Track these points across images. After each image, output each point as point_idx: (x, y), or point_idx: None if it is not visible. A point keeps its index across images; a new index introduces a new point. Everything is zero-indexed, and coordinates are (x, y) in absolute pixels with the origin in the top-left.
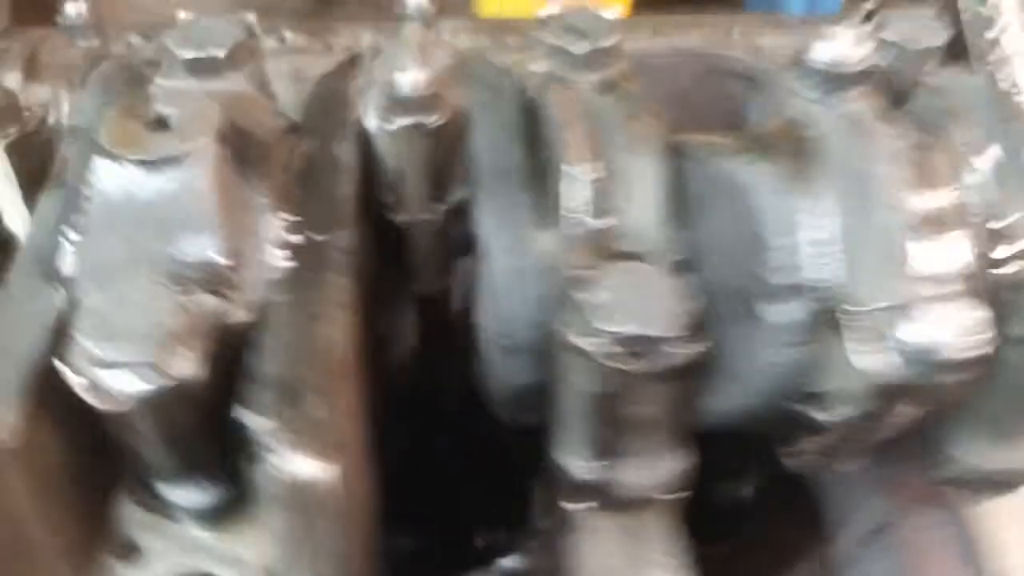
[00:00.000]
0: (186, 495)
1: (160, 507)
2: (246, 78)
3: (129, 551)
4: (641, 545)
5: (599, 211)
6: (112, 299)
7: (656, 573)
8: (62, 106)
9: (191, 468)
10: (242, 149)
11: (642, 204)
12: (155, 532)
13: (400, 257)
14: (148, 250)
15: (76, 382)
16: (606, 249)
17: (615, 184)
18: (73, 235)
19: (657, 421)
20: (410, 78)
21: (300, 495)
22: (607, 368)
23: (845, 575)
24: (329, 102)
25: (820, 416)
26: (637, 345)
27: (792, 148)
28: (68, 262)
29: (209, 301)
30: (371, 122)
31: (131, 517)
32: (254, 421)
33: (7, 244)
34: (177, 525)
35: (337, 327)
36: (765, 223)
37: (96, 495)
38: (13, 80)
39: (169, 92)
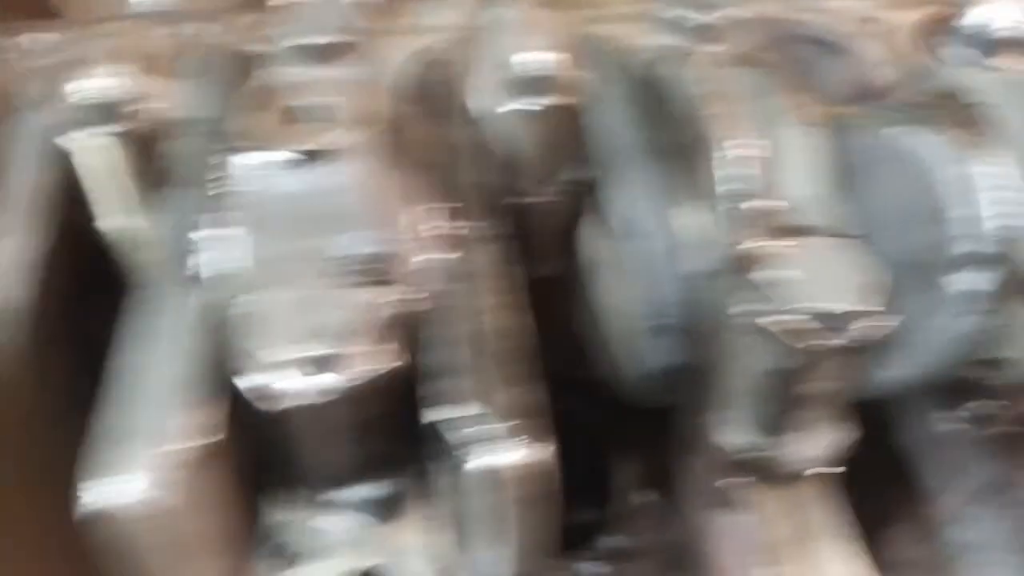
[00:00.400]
0: (352, 491)
1: (318, 507)
2: (364, 63)
3: (287, 552)
4: (807, 517)
5: (763, 187)
6: (288, 300)
7: (825, 543)
8: (159, 97)
9: (363, 466)
10: (383, 138)
11: (806, 177)
12: (311, 532)
13: (515, 240)
14: (307, 247)
15: (263, 386)
16: (776, 225)
17: (776, 158)
18: (214, 234)
19: (828, 396)
20: (534, 58)
21: (506, 486)
22: (791, 347)
23: (953, 533)
24: (439, 83)
25: (996, 381)
26: (829, 322)
27: (957, 116)
28: (213, 262)
29: (381, 295)
30: (486, 103)
31: (287, 518)
32: (450, 412)
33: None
34: (340, 520)
35: (507, 318)
36: (942, 193)
37: (251, 493)
38: (106, 72)
39: (303, 82)
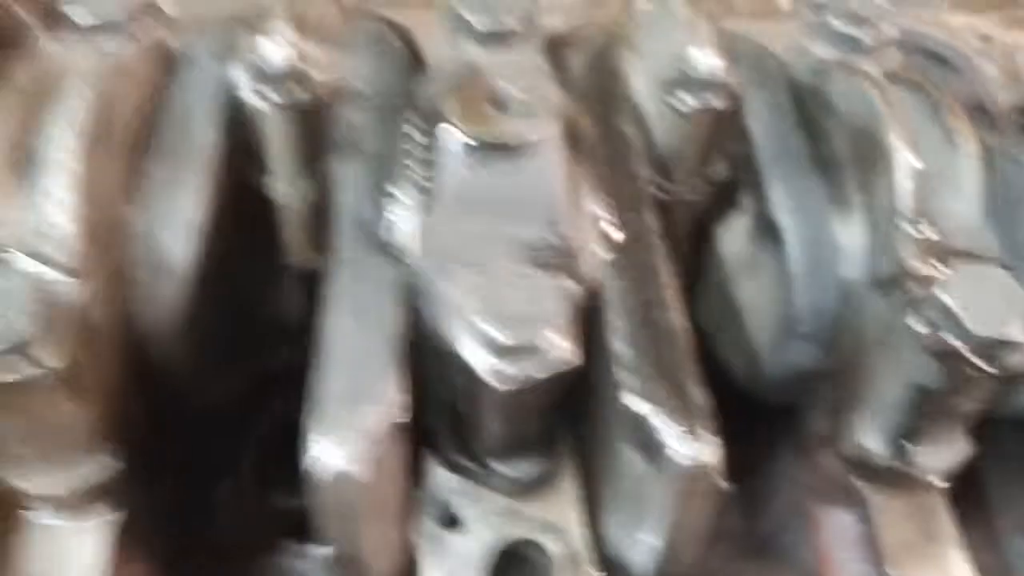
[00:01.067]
0: (513, 467)
1: (481, 477)
2: (536, 50)
3: (450, 518)
4: (932, 523)
5: (932, 209)
6: (487, 282)
7: (951, 549)
8: (331, 66)
9: (528, 442)
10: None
11: (967, 201)
12: (474, 500)
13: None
14: (500, 232)
15: (476, 363)
16: (943, 248)
17: (944, 181)
18: (410, 208)
19: (969, 413)
20: (703, 60)
21: (692, 478)
22: (948, 368)
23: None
24: (604, 75)
25: None
26: (988, 349)
27: None
28: (406, 236)
29: (569, 284)
30: (649, 98)
31: (450, 486)
32: (640, 406)
33: (273, 204)
34: (495, 495)
35: (676, 312)
36: None
37: (415, 462)
38: (289, 39)
39: (507, 69)
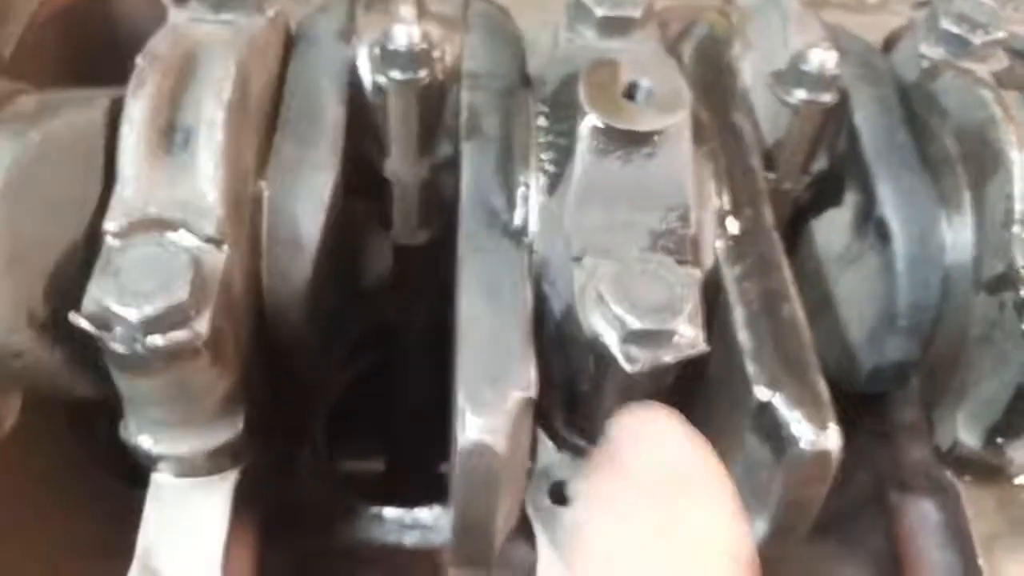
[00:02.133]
0: None
1: (588, 453)
2: (654, 38)
3: (560, 493)
4: (1022, 516)
5: None
6: (619, 268)
7: None
8: (453, 46)
9: None
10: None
11: None
12: (583, 474)
13: None
14: (629, 219)
15: (610, 345)
16: None
17: None
18: (532, 193)
19: None
20: (817, 55)
21: (815, 465)
22: None
23: None
24: (713, 68)
25: None
26: None
27: None
28: (534, 221)
29: (696, 272)
30: (756, 89)
31: (561, 462)
32: (766, 394)
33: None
34: None
35: (796, 304)
36: None
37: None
38: (409, 18)
39: (636, 58)
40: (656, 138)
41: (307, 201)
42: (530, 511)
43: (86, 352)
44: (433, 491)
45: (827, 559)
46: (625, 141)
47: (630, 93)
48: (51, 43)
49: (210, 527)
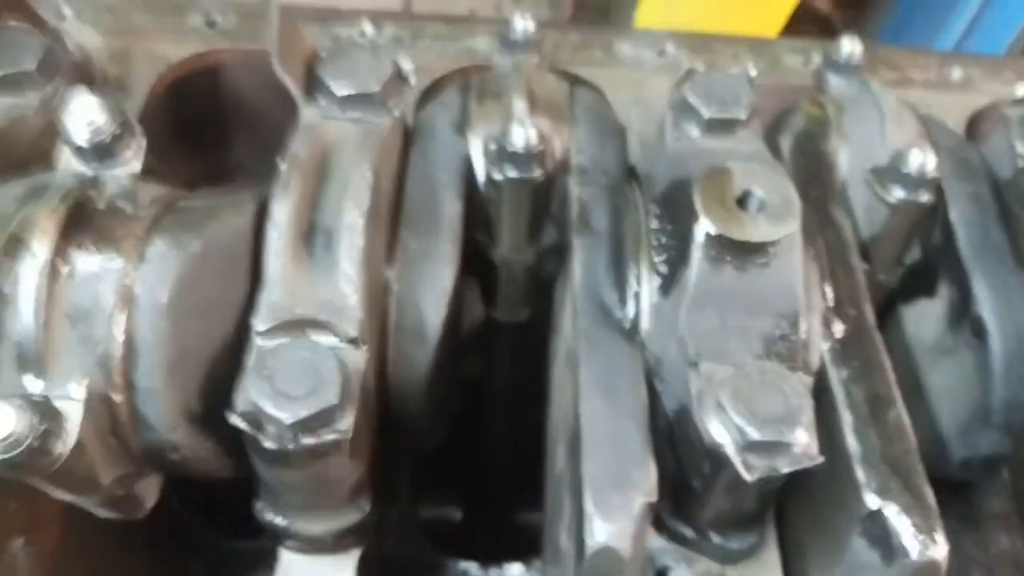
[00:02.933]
0: (728, 538)
1: (696, 544)
2: (757, 137)
3: None
4: None
5: None
6: (736, 376)
7: None
8: (562, 142)
9: (745, 517)
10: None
11: None
12: (688, 564)
13: None
14: (741, 324)
15: (729, 453)
16: None
17: None
18: (644, 294)
19: None
20: (917, 156)
21: (921, 574)
22: None
23: None
24: (812, 161)
25: None
26: None
27: None
28: (648, 321)
29: (808, 379)
30: (853, 183)
31: (664, 549)
32: (877, 502)
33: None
34: (707, 560)
35: (902, 408)
36: None
37: None
38: (523, 116)
39: (750, 169)
40: (770, 249)
41: (431, 293)
42: None
43: (232, 442)
44: (510, 541)
45: None
46: (740, 251)
47: (742, 201)
48: (164, 113)
49: None
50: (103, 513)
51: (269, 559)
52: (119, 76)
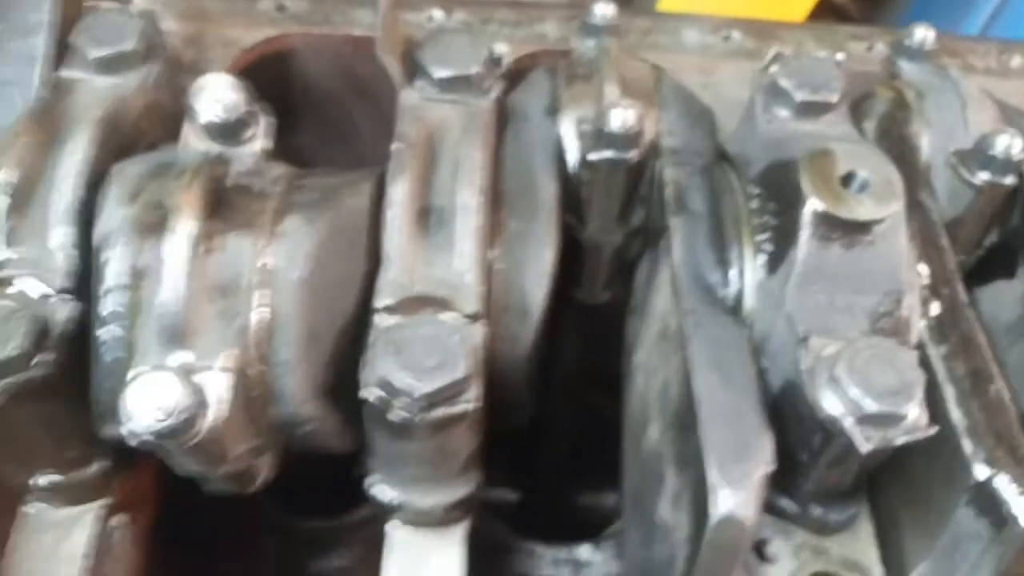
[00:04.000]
0: (826, 510)
1: (795, 517)
2: (847, 120)
3: (762, 551)
4: None
5: None
6: (850, 351)
7: None
8: (649, 123)
9: (845, 489)
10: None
11: None
12: (785, 537)
13: None
14: (848, 301)
15: (846, 426)
16: None
17: None
18: (749, 272)
19: None
20: (1004, 141)
21: None
22: None
23: None
24: (896, 144)
25: None
26: None
27: None
28: (746, 296)
29: (915, 354)
30: (936, 168)
31: (765, 522)
32: (986, 472)
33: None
34: (804, 532)
35: (1001, 384)
36: None
37: None
38: (616, 100)
39: (852, 150)
40: (876, 227)
41: (533, 273)
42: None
43: (353, 418)
44: (567, 523)
45: None
46: (847, 229)
47: (846, 181)
48: None
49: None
50: (217, 488)
51: (339, 539)
52: (193, 60)
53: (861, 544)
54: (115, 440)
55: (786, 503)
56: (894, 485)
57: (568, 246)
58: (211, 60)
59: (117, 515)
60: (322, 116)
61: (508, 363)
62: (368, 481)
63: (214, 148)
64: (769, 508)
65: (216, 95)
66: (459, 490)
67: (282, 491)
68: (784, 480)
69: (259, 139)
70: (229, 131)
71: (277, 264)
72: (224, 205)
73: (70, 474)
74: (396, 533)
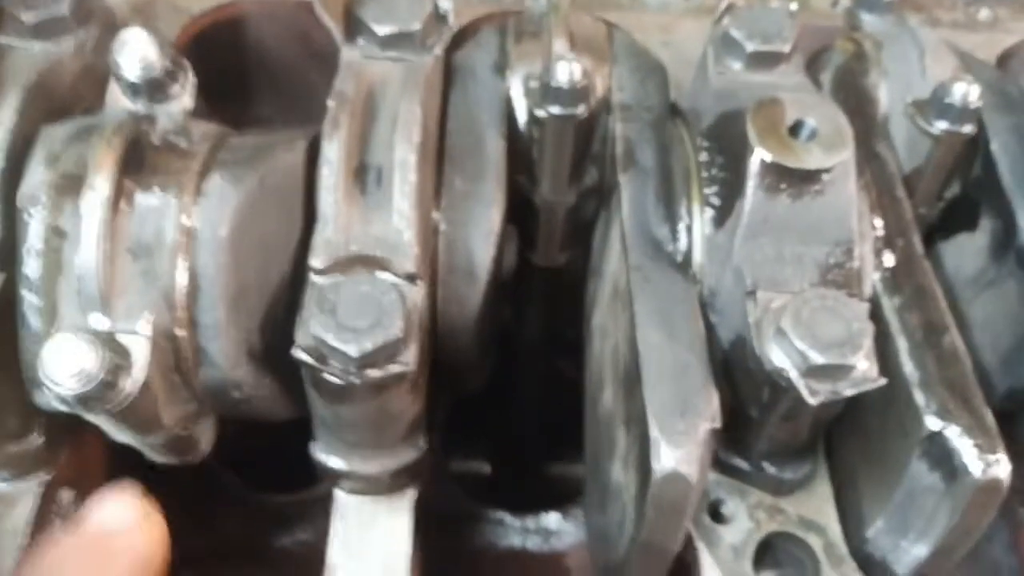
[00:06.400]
0: (780, 468)
1: (749, 476)
2: (800, 71)
3: (717, 511)
4: None
5: None
6: (797, 303)
7: None
8: (604, 80)
9: (798, 446)
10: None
11: None
12: (741, 497)
13: None
14: (796, 252)
15: (792, 378)
16: None
17: None
18: (697, 226)
19: None
20: (961, 89)
21: (985, 492)
22: None
23: None
24: (853, 96)
25: None
26: None
27: None
28: (702, 254)
29: (865, 305)
30: (894, 118)
31: (719, 482)
32: (938, 424)
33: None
34: (760, 492)
35: (955, 335)
36: None
37: None
38: (566, 54)
39: (800, 99)
40: (825, 176)
41: (479, 233)
42: (692, 529)
43: (291, 381)
44: (539, 493)
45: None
46: (795, 179)
47: (794, 131)
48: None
49: (395, 543)
50: (160, 457)
51: (303, 513)
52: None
53: (818, 503)
54: (51, 410)
55: (740, 462)
56: (851, 441)
57: (522, 207)
58: (160, 28)
59: (62, 489)
60: (280, 84)
61: (455, 325)
62: (312, 447)
63: (139, 107)
64: (723, 468)
65: (136, 52)
66: (404, 455)
67: (245, 465)
68: (737, 438)
69: (184, 96)
70: (154, 88)
71: (201, 222)
72: (147, 164)
73: (8, 447)
74: (342, 500)
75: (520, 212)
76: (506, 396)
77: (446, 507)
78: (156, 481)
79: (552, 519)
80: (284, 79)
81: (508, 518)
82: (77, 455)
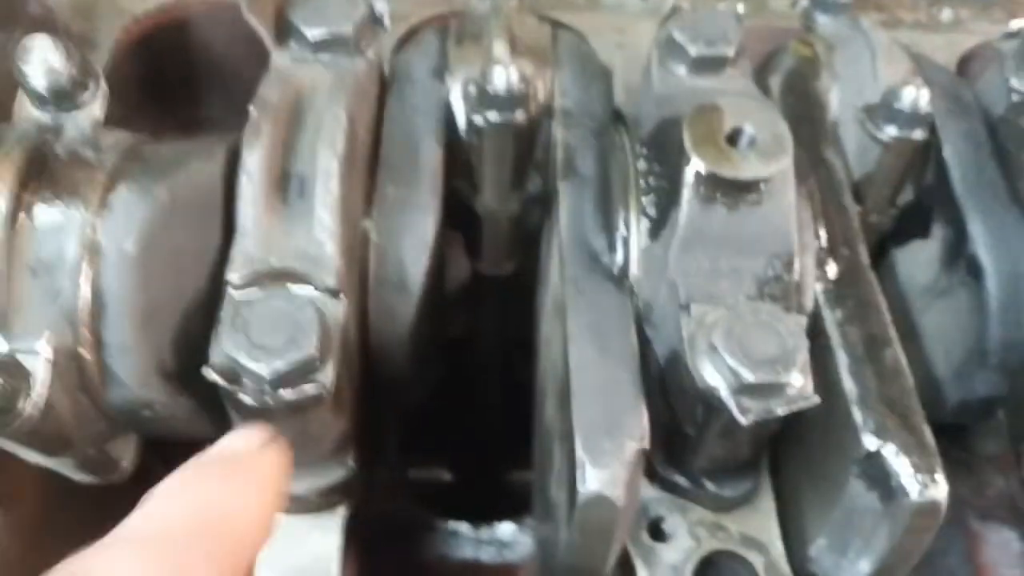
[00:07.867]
0: (721, 485)
1: (689, 493)
2: (746, 75)
3: (657, 529)
4: None
5: None
6: (730, 318)
7: None
8: (545, 85)
9: (739, 463)
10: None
11: None
12: (681, 514)
13: None
14: (733, 265)
15: (723, 396)
16: None
17: None
18: (633, 237)
19: None
20: (910, 92)
21: (922, 514)
22: None
23: None
24: (802, 100)
25: None
26: None
27: None
28: (637, 266)
29: (802, 319)
30: (844, 123)
31: (657, 498)
32: (875, 443)
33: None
34: (701, 509)
35: (898, 348)
36: None
37: None
38: (505, 58)
39: (740, 106)
40: (762, 186)
41: (411, 243)
42: (630, 547)
43: (209, 400)
44: (501, 502)
45: None
46: (731, 189)
47: (732, 139)
48: (132, 69)
49: (324, 563)
50: (80, 477)
51: None
52: (83, 31)
53: (761, 520)
54: None
55: (680, 479)
56: (794, 458)
57: (465, 215)
58: (102, 31)
59: None
60: (229, 86)
61: (388, 339)
62: None
63: (46, 117)
64: (663, 484)
65: (42, 61)
66: (332, 475)
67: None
68: (676, 455)
69: (93, 106)
70: (61, 96)
71: (106, 238)
72: (50, 176)
73: None
74: None
75: (463, 220)
76: (465, 404)
77: (401, 518)
78: (99, 493)
79: (506, 529)
80: (233, 80)
81: (463, 528)
82: (2, 472)
